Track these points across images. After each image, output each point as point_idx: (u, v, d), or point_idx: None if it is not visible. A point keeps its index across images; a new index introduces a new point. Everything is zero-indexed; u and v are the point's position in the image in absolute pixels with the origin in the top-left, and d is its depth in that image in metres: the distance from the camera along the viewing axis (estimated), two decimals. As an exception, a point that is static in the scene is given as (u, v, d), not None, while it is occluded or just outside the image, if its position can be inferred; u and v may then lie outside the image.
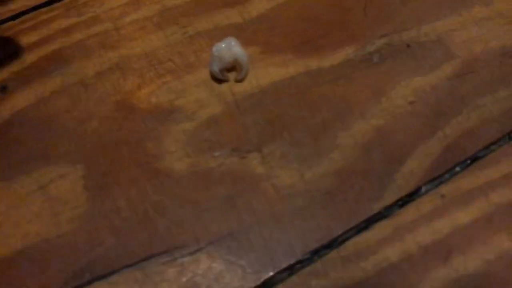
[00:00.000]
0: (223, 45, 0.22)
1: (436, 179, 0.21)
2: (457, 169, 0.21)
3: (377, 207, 0.21)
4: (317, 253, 0.20)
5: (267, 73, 0.23)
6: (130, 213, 0.21)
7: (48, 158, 0.22)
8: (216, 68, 0.22)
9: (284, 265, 0.20)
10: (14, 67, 0.24)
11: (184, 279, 0.19)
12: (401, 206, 0.21)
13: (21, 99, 0.23)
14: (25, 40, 0.25)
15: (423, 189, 0.21)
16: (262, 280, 0.19)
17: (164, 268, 0.20)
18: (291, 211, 0.21)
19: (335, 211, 0.21)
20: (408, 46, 0.24)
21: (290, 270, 0.20)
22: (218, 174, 0.21)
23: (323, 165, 0.21)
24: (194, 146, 0.22)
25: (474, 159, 0.21)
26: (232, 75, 0.23)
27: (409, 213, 0.20)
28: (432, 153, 0.22)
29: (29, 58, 0.24)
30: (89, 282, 0.19)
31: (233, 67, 0.23)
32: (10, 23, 0.25)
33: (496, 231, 0.20)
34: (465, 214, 0.20)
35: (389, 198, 0.21)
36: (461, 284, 0.19)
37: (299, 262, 0.20)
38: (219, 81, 0.23)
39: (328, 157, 0.22)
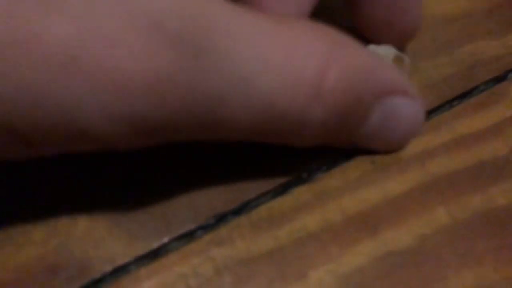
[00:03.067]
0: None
1: (367, 144, 0.18)
2: (392, 135, 0.18)
3: (297, 170, 0.18)
4: (223, 218, 0.16)
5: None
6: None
7: None
8: None
9: (181, 231, 0.16)
10: None
11: (55, 242, 0.16)
12: (326, 171, 0.18)
13: None
14: None
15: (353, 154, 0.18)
16: (152, 247, 0.16)
17: (31, 229, 0.16)
18: (197, 171, 0.17)
19: (249, 172, 0.17)
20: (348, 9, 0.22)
21: (189, 237, 0.16)
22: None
23: (239, 122, 0.18)
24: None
25: (411, 125, 0.19)
26: None
27: (334, 179, 0.18)
28: (364, 116, 0.19)
29: None
30: None
31: None
32: None
33: (432, 203, 0.17)
34: (398, 183, 0.18)
35: (313, 161, 0.18)
36: (390, 260, 0.16)
37: (201, 227, 0.16)
38: None
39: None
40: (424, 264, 0.16)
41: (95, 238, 0.16)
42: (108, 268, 0.15)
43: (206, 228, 0.16)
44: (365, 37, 0.19)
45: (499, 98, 0.20)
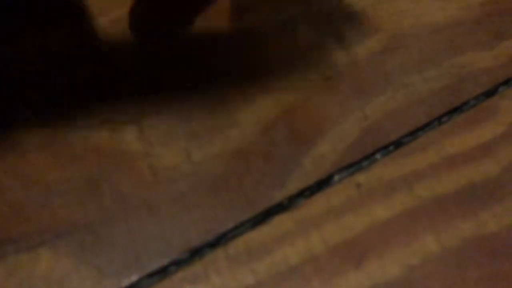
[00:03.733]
0: None
1: (351, 166, 0.17)
2: (377, 156, 0.18)
3: (278, 196, 0.16)
4: (198, 252, 0.15)
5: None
6: (-47, 194, 0.15)
7: None
8: None
9: (154, 267, 0.15)
10: None
11: (14, 282, 0.14)
12: (308, 196, 0.17)
13: None
14: None
15: (336, 177, 0.17)
16: (122, 285, 0.15)
17: (-11, 267, 0.14)
18: (170, 198, 0.16)
19: (226, 200, 0.16)
20: (328, 15, 0.20)
21: (162, 273, 0.15)
22: (79, 151, 0.16)
23: (216, 144, 0.17)
24: (52, 115, 0.17)
25: (398, 145, 0.18)
26: None
27: (317, 205, 0.16)
28: (348, 136, 0.18)
29: None
30: None
31: None
32: None
33: (420, 230, 0.16)
34: (384, 208, 0.17)
35: (294, 186, 0.17)
36: (376, 293, 0.15)
37: (174, 263, 0.15)
38: None
39: (223, 135, 0.17)
40: (412, 297, 0.15)
41: (59, 276, 0.15)
42: (73, 309, 0.14)
43: (179, 263, 0.15)
44: None
45: (489, 114, 0.19)
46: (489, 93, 0.19)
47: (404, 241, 0.16)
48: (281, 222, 0.16)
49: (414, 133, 0.18)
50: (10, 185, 0.16)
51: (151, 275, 0.15)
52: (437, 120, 0.19)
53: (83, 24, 0.18)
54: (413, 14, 0.21)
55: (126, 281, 0.15)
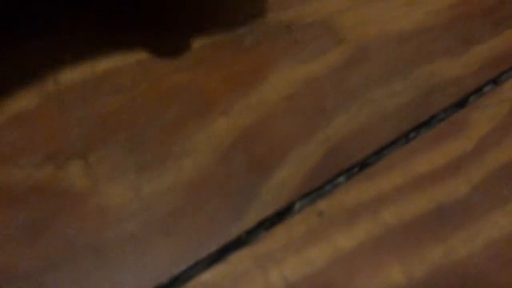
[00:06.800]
0: None
1: (313, 192, 0.16)
2: (341, 179, 0.17)
3: (235, 231, 0.15)
4: (149, 297, 0.14)
5: (105, 56, 0.18)
6: None
7: None
8: None
9: (101, 316, 0.14)
10: None
11: None
12: (268, 228, 0.16)
13: None
14: None
15: (297, 205, 0.16)
16: None
17: None
18: (119, 240, 0.15)
19: (179, 238, 0.15)
20: (288, 27, 0.19)
21: (110, 323, 0.14)
22: (22, 190, 0.15)
23: (168, 177, 0.16)
24: (-7, 152, 0.16)
25: (362, 166, 0.17)
26: None
27: (276, 238, 0.15)
28: (309, 160, 0.17)
29: None
30: None
31: None
32: None
33: (386, 260, 0.16)
34: (348, 237, 0.16)
35: (252, 218, 0.16)
36: (339, 332, 0.14)
37: (123, 311, 0.14)
38: None
39: (176, 166, 0.16)
40: (378, 333, 0.15)
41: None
42: None
43: (129, 311, 0.14)
44: None
45: (459, 128, 0.18)
46: (459, 104, 0.18)
47: (369, 273, 0.15)
48: (239, 259, 0.15)
49: (379, 153, 0.17)
50: None
51: (98, 326, 0.14)
52: (404, 137, 0.18)
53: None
54: (379, 22, 0.20)
55: (72, 335, 0.14)
